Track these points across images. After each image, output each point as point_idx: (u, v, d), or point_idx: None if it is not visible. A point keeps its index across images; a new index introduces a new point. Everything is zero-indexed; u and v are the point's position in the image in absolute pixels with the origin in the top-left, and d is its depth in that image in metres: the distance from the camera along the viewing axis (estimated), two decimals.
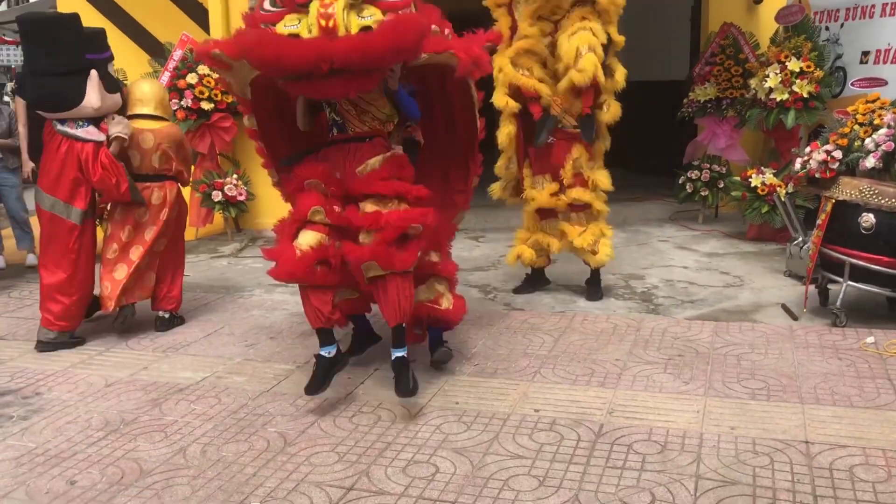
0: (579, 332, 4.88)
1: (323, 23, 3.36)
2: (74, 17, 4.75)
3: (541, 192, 5.46)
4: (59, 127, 4.70)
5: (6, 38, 17.19)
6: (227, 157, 7.94)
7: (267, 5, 3.60)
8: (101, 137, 4.74)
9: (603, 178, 5.42)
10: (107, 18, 8.97)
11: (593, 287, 5.66)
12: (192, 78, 7.29)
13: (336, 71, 3.30)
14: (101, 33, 4.99)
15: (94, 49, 4.78)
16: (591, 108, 5.23)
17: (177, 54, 7.40)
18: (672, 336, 4.77)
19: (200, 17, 8.57)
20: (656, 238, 7.47)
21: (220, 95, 7.41)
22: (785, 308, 5.23)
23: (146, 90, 5.05)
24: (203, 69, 7.31)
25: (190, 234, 7.79)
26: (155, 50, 8.17)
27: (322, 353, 3.89)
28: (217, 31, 7.95)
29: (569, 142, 5.39)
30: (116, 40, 8.71)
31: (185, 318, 5.29)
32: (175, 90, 7.29)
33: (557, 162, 5.42)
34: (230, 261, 7.14)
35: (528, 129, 5.50)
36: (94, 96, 4.65)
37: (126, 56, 8.28)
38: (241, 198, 7.57)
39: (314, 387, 3.82)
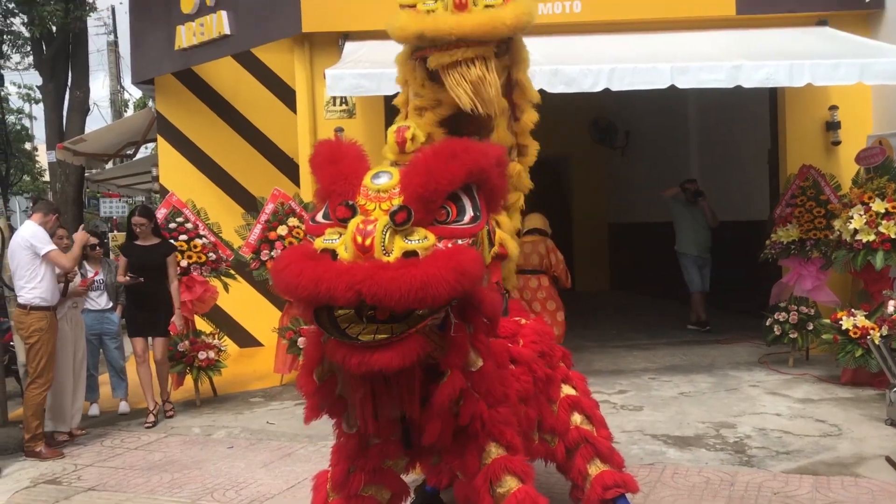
0: (670, 487, 4.70)
1: (359, 240, 2.70)
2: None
3: None
4: None
5: (111, 192, 18.45)
6: None
7: (319, 217, 2.99)
8: None
9: None
10: (203, 174, 9.61)
11: None
12: (282, 230, 7.61)
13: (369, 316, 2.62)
14: None
15: None
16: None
17: (268, 207, 7.77)
18: (769, 491, 4.56)
19: (292, 172, 9.09)
20: (746, 383, 7.23)
21: None
22: (890, 461, 4.95)
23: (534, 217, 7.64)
24: (293, 221, 7.64)
25: (275, 380, 7.96)
26: (249, 204, 8.63)
27: None
28: (306, 185, 8.38)
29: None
30: (212, 195, 9.32)
31: None
32: (266, 241, 7.62)
33: None
34: None
35: None
36: None
37: (221, 209, 8.81)
38: None
39: None
